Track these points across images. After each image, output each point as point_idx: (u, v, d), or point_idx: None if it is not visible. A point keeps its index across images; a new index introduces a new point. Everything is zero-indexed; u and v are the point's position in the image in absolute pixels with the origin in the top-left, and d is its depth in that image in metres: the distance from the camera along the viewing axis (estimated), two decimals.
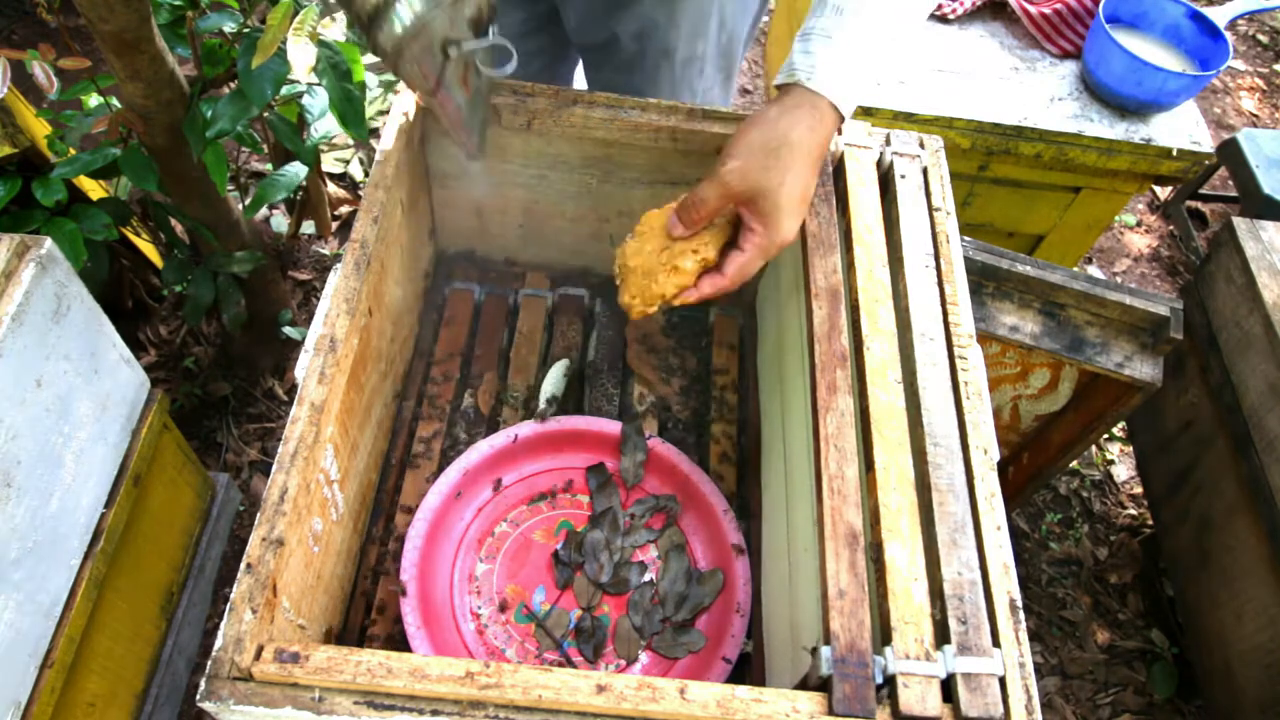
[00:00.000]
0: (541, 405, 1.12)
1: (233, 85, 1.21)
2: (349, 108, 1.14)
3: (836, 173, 0.96)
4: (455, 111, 0.87)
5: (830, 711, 0.65)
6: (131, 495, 1.15)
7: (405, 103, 1.00)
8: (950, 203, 0.94)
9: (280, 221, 2.04)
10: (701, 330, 1.24)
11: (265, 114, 1.29)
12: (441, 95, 0.85)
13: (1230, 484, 1.39)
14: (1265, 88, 2.90)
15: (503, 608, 0.98)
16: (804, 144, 0.81)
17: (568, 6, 1.22)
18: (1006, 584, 0.72)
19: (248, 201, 1.35)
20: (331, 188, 1.93)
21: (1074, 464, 1.91)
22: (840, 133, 0.98)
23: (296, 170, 1.34)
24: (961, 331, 0.85)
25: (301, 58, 1.00)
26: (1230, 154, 2.08)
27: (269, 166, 1.35)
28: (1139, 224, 2.48)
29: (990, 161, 1.51)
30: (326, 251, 2.04)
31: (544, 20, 1.29)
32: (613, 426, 1.08)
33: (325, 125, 1.33)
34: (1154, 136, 1.46)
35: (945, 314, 0.85)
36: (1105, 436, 1.96)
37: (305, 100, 1.29)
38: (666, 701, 0.65)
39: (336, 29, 1.04)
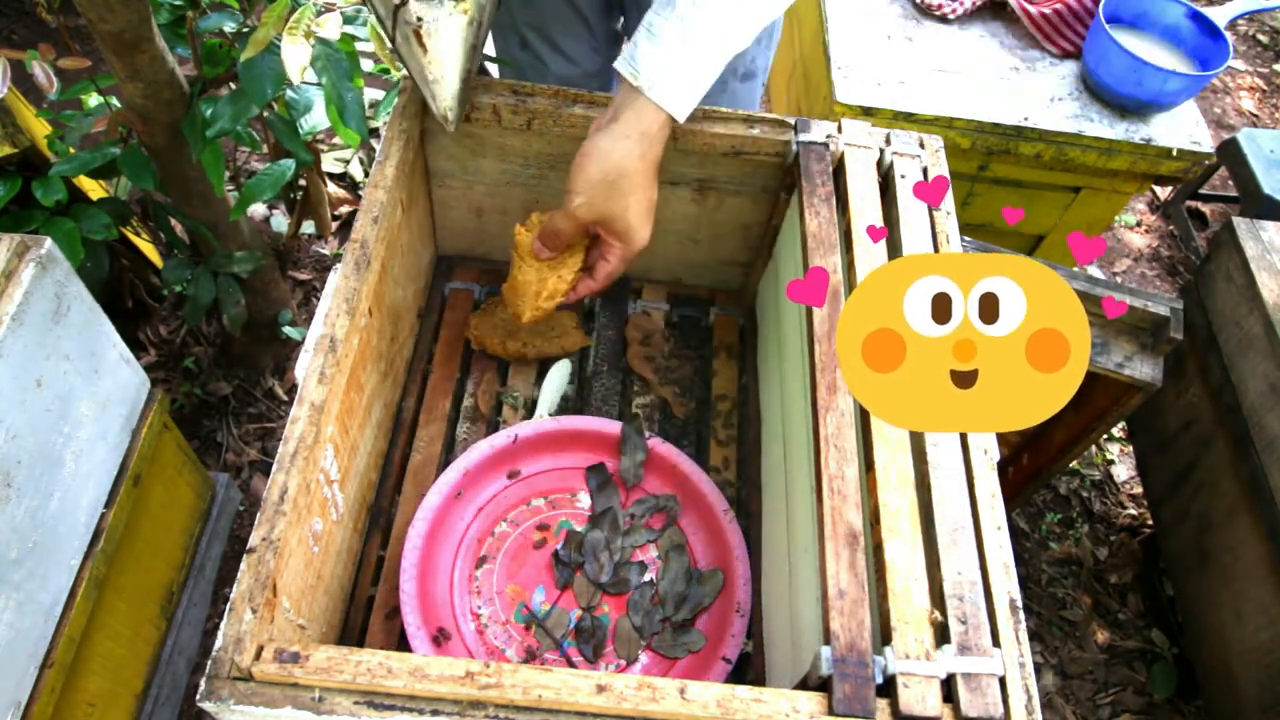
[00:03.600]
0: (541, 410, 1.12)
1: (233, 85, 1.21)
2: (348, 106, 1.13)
3: (836, 173, 0.96)
4: (415, 66, 0.88)
5: (830, 711, 0.65)
6: (131, 495, 1.15)
7: (406, 103, 1.00)
8: (950, 203, 0.94)
9: (280, 221, 2.04)
10: (701, 330, 1.24)
11: (265, 113, 1.29)
12: (398, 44, 0.87)
13: (1230, 484, 1.39)
14: (1265, 88, 2.90)
15: (439, 636, 0.98)
16: (637, 169, 0.87)
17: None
18: (1006, 584, 0.72)
19: (234, 202, 1.35)
20: (331, 188, 1.93)
21: (1074, 464, 1.91)
22: (841, 133, 0.98)
23: (284, 167, 1.33)
24: None
25: (296, 57, 0.99)
26: (1230, 154, 2.08)
27: (268, 165, 1.35)
28: (1139, 224, 2.48)
29: (990, 161, 1.51)
30: (326, 251, 2.04)
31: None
32: (613, 426, 1.08)
33: (314, 119, 1.32)
34: (1154, 136, 1.46)
35: None
36: (1105, 436, 1.96)
37: (290, 96, 1.29)
38: (666, 701, 0.65)
39: (333, 27, 1.04)
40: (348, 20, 1.17)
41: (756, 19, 0.86)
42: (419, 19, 0.84)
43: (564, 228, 0.92)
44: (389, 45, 0.91)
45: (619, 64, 0.86)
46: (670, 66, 0.84)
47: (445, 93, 0.90)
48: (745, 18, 0.85)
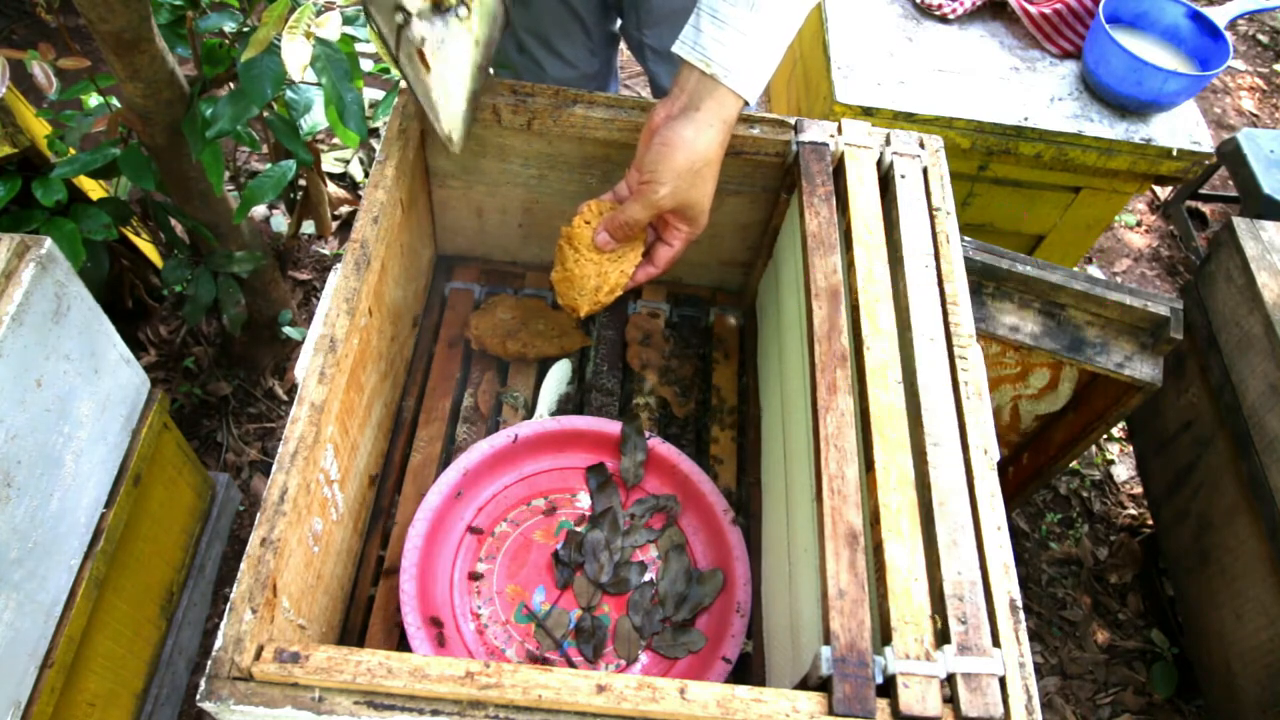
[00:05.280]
0: (541, 410, 1.12)
1: (233, 85, 1.21)
2: (348, 107, 1.13)
3: (836, 173, 0.96)
4: (419, 87, 0.86)
5: (830, 711, 0.65)
6: (131, 495, 1.15)
7: (406, 102, 1.00)
8: (950, 203, 0.94)
9: (280, 221, 2.04)
10: (701, 330, 1.24)
11: (265, 113, 1.29)
12: (401, 64, 0.85)
13: (1230, 484, 1.39)
14: (1265, 88, 2.90)
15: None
16: (718, 157, 0.88)
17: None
18: (1006, 584, 0.72)
19: (235, 203, 1.35)
20: (331, 188, 1.93)
21: (1074, 464, 1.91)
22: (841, 133, 0.98)
23: (284, 167, 1.33)
24: (961, 331, 0.85)
25: (296, 56, 0.99)
26: (1230, 154, 2.08)
27: (269, 166, 1.35)
28: (1139, 224, 2.48)
29: (990, 161, 1.51)
30: (326, 251, 2.04)
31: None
32: (613, 426, 1.08)
33: (314, 119, 1.32)
34: (1154, 136, 1.46)
35: (945, 314, 0.85)
36: (1105, 436, 1.96)
37: (290, 95, 1.29)
38: (666, 701, 0.65)
39: (333, 27, 1.04)
40: (348, 20, 1.17)
41: None
42: (423, 39, 0.82)
43: (642, 218, 0.91)
44: (392, 62, 0.89)
45: (680, 49, 0.85)
46: (745, 52, 0.83)
47: (449, 114, 0.88)
48: None
